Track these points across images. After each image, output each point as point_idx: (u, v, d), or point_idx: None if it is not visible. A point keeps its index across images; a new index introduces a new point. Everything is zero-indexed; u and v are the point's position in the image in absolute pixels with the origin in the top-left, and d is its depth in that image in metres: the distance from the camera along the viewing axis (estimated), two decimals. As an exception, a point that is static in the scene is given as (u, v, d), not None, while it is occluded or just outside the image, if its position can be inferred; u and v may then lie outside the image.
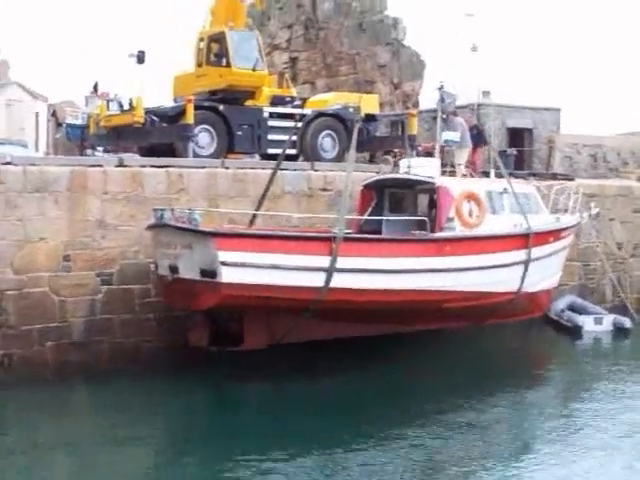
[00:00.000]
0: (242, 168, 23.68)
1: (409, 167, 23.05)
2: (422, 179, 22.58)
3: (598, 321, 27.07)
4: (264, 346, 20.44)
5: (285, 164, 23.54)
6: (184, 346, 21.14)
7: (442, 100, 23.85)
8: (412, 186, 23.45)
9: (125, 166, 21.87)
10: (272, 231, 21.02)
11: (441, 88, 23.85)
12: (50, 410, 17.97)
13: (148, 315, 21.29)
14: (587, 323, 26.87)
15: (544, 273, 23.82)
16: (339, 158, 27.88)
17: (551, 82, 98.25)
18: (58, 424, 17.20)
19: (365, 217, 23.16)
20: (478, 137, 28.77)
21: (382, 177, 24.00)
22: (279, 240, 19.47)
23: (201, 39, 28.46)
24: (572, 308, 27.83)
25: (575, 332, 26.55)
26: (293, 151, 27.28)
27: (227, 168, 23.31)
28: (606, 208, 29.54)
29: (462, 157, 24.75)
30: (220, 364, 20.47)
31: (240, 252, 18.53)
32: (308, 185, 24.11)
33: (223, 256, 18.34)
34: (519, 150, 38.44)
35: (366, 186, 23.75)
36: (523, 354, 25.03)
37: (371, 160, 31.44)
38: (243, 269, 18.47)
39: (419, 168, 22.82)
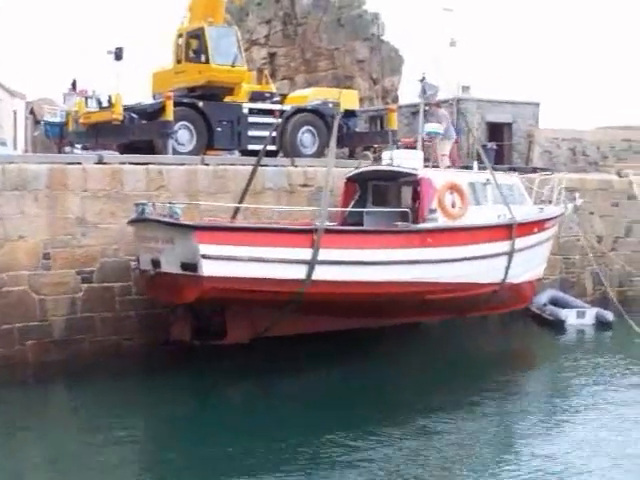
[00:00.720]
0: (222, 164, 23.60)
1: (391, 159, 23.03)
2: (404, 171, 22.56)
3: (581, 314, 27.14)
4: (247, 340, 20.40)
5: (265, 160, 23.47)
6: (165, 343, 21.10)
7: (424, 92, 23.81)
8: (395, 178, 23.44)
9: (105, 163, 21.77)
10: (253, 224, 20.99)
11: (423, 80, 23.80)
12: (31, 411, 17.79)
13: (129, 313, 21.20)
14: (570, 317, 26.93)
15: (529, 264, 23.80)
16: (319, 154, 27.88)
17: (530, 76, 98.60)
18: (39, 425, 16.99)
19: (347, 209, 23.11)
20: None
21: (365, 169, 23.95)
22: (260, 233, 19.43)
23: (180, 35, 28.33)
24: (554, 302, 27.84)
25: (558, 326, 26.56)
26: (273, 147, 27.26)
27: (207, 165, 23.24)
28: (586, 202, 29.58)
29: (446, 149, 24.75)
30: (202, 361, 20.45)
31: (221, 245, 18.46)
32: (288, 181, 24.04)
33: (204, 249, 18.28)
34: (499, 144, 38.48)
35: (349, 179, 23.71)
36: (505, 349, 24.98)
37: (351, 156, 31.47)
38: (224, 262, 18.40)
39: (401, 160, 22.79)
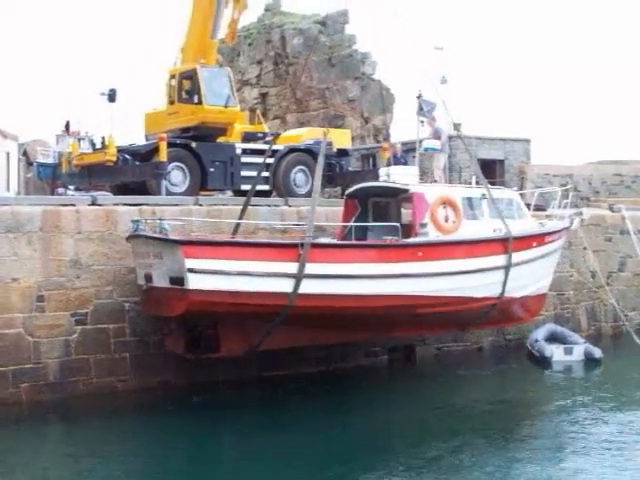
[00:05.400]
0: (215, 205, 23.64)
1: (388, 175, 23.13)
2: (397, 186, 22.64)
3: (568, 351, 26.63)
4: (240, 353, 20.52)
5: (258, 200, 23.55)
6: (159, 385, 21.11)
7: (421, 109, 23.88)
8: (393, 194, 23.55)
9: (98, 205, 21.79)
10: (239, 238, 21.16)
11: (420, 97, 23.85)
12: (24, 454, 17.52)
13: (123, 354, 21.15)
14: (556, 353, 26.43)
15: (529, 278, 23.59)
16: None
17: (521, 113, 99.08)
18: (31, 471, 16.65)
19: (340, 224, 23.24)
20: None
21: (364, 185, 24.04)
22: (246, 247, 19.67)
23: (172, 76, 28.43)
24: (553, 337, 27.40)
25: (545, 363, 26.08)
26: (266, 187, 27.34)
27: (201, 205, 23.27)
28: (579, 237, 29.53)
29: (441, 162, 24.96)
30: (196, 403, 20.45)
31: (207, 259, 18.71)
32: (281, 221, 24.04)
33: (190, 263, 18.51)
34: (490, 182, 38.52)
35: (349, 195, 23.92)
36: (489, 387, 24.26)
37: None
38: (210, 276, 18.63)
39: (397, 176, 22.89)
